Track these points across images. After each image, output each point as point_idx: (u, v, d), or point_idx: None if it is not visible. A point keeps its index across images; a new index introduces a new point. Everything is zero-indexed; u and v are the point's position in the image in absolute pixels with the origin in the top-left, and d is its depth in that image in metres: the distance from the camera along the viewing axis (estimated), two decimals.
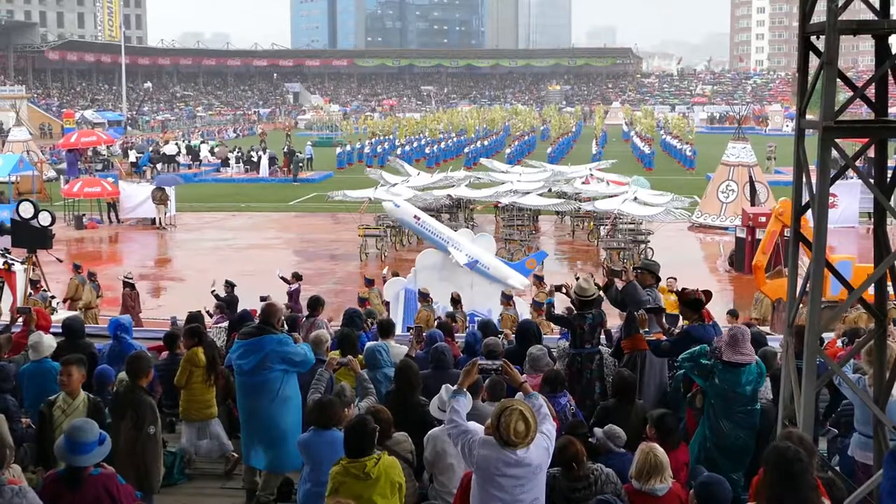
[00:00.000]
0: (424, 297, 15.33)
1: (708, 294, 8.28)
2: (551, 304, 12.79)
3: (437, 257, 18.22)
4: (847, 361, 7.57)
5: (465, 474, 5.83)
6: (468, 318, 15.07)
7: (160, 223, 32.31)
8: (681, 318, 8.50)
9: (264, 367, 7.41)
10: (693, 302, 8.04)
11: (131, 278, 17.56)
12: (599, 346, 8.99)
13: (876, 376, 6.47)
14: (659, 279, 9.78)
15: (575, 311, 9.12)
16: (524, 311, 15.35)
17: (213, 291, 15.10)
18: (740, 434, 6.98)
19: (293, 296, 17.45)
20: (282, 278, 18.20)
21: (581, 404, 8.60)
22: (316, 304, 11.30)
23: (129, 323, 10.27)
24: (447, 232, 18.42)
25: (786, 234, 19.72)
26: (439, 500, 6.48)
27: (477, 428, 5.48)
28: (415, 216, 18.57)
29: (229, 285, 15.73)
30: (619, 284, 9.33)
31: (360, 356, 9.06)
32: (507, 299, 15.27)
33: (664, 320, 8.67)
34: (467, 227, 28.25)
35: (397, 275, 18.34)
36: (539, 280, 17.45)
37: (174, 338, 9.02)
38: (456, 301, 14.97)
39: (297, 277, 17.70)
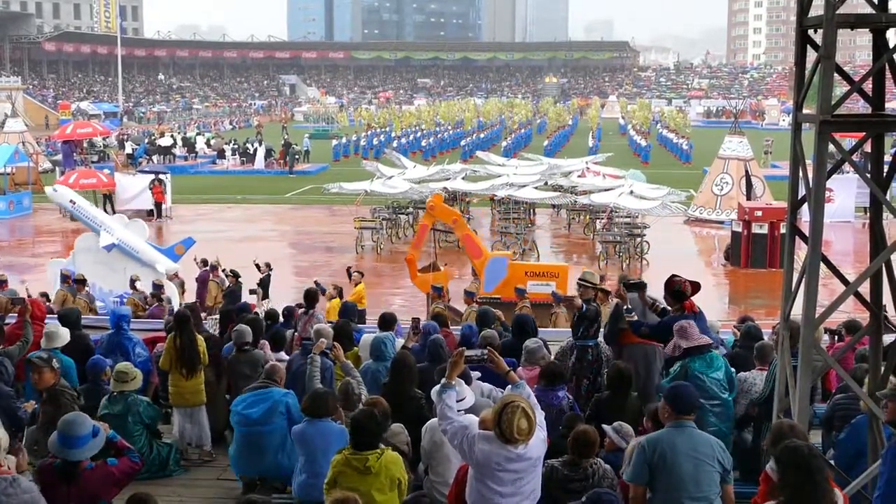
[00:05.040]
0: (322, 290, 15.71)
1: (696, 286, 8.28)
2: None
3: (93, 241, 18.77)
4: (841, 355, 7.59)
5: (461, 467, 5.82)
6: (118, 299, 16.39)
7: (156, 214, 32.08)
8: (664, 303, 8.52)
9: (272, 417, 7.40)
10: (677, 293, 8.11)
11: None
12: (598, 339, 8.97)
13: (871, 369, 6.49)
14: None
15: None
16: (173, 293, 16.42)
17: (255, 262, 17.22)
18: (715, 423, 7.04)
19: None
20: None
21: (589, 397, 8.54)
22: (313, 296, 11.31)
23: (129, 314, 10.36)
24: (101, 216, 19.27)
25: (436, 226, 19.57)
26: (434, 492, 6.48)
27: (473, 421, 5.45)
28: (70, 200, 19.60)
29: (234, 275, 16.24)
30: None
31: (356, 348, 9.08)
32: (132, 283, 16.20)
33: (646, 295, 8.67)
34: (410, 214, 28.22)
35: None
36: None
37: (185, 319, 8.94)
38: (81, 282, 15.32)
39: None
